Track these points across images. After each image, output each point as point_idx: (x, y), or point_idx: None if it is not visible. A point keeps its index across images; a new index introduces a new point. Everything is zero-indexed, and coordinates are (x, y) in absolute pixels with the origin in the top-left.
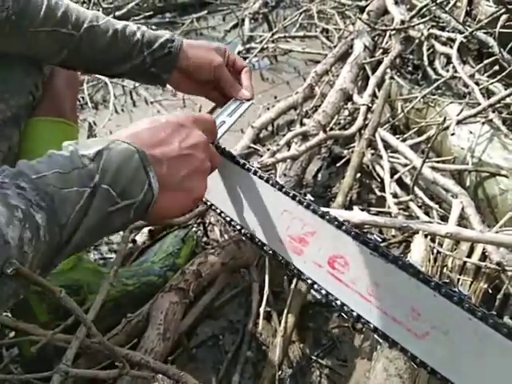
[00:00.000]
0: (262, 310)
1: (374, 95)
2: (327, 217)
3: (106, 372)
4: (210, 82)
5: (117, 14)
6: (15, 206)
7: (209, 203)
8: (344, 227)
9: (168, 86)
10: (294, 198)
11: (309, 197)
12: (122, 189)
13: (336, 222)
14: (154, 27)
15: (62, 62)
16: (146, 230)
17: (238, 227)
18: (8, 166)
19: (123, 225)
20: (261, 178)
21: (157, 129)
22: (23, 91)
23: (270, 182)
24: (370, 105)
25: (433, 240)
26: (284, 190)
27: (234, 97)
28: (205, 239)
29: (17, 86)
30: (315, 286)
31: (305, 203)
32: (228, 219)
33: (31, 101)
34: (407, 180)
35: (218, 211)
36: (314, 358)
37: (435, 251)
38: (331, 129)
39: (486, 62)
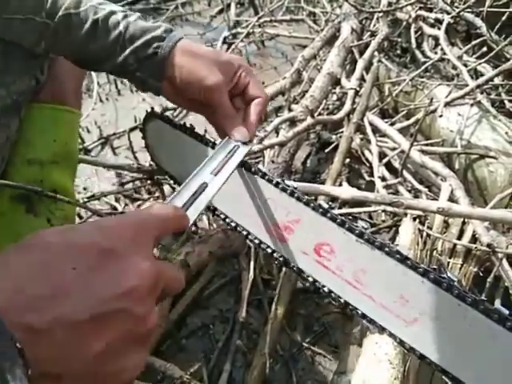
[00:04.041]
0: (246, 294)
1: (362, 79)
2: (312, 204)
3: None
4: (206, 103)
5: None
6: None
7: None
8: (329, 214)
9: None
10: (277, 185)
11: (292, 183)
12: None
13: (321, 210)
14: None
15: (46, 52)
16: None
17: (223, 216)
18: (4, 156)
19: None
20: (243, 165)
21: (51, 264)
22: (27, 75)
23: (253, 169)
24: (358, 89)
25: (422, 223)
26: (267, 177)
27: (227, 134)
28: (193, 228)
29: (21, 68)
30: (302, 274)
31: (288, 191)
32: (212, 208)
33: (34, 86)
34: (396, 164)
35: None
36: (305, 344)
37: (424, 234)
38: (319, 114)
39: (474, 42)
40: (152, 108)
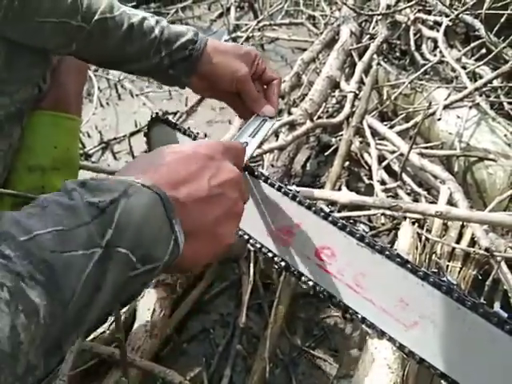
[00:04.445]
0: (246, 298)
1: (361, 82)
2: (313, 208)
3: None
4: (233, 91)
5: None
6: None
7: None
8: (330, 218)
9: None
10: (279, 189)
11: (294, 188)
12: (144, 253)
13: (322, 213)
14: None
15: (71, 54)
16: None
17: None
18: (8, 163)
19: (141, 290)
20: (245, 169)
21: (181, 162)
22: (30, 83)
23: (255, 173)
24: (357, 92)
25: (421, 226)
26: (269, 181)
27: (256, 113)
28: None
29: (24, 77)
30: (303, 278)
31: (290, 194)
32: None
33: (36, 94)
34: (395, 167)
35: None
36: (305, 348)
37: (423, 238)
38: (319, 117)
39: (472, 45)
40: (157, 113)
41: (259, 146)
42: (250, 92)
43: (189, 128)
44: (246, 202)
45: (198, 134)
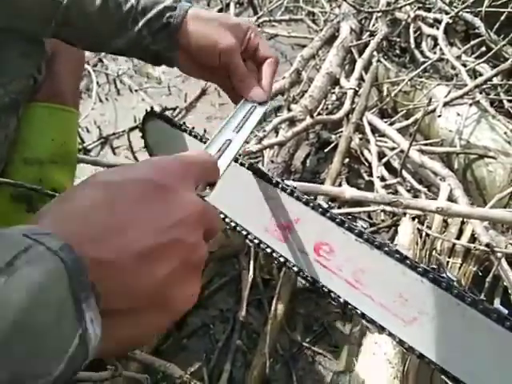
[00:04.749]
0: (246, 293)
1: (361, 79)
2: (311, 204)
3: (98, 374)
4: (220, 68)
5: None
6: None
7: None
8: (328, 214)
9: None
10: (276, 184)
11: (291, 183)
12: (16, 370)
13: (320, 209)
14: None
15: (54, 36)
16: None
17: (222, 216)
18: (3, 155)
19: None
20: (242, 165)
21: (117, 201)
22: (24, 74)
23: (252, 169)
24: (357, 89)
25: (421, 223)
26: (266, 177)
27: (244, 96)
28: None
29: (17, 68)
30: (301, 274)
31: (288, 190)
32: None
33: (32, 85)
34: (395, 164)
35: None
36: (305, 344)
37: (424, 234)
38: (319, 114)
39: (472, 42)
40: (151, 107)
41: (247, 141)
42: (237, 69)
43: (184, 123)
44: (214, 236)
45: (193, 128)
